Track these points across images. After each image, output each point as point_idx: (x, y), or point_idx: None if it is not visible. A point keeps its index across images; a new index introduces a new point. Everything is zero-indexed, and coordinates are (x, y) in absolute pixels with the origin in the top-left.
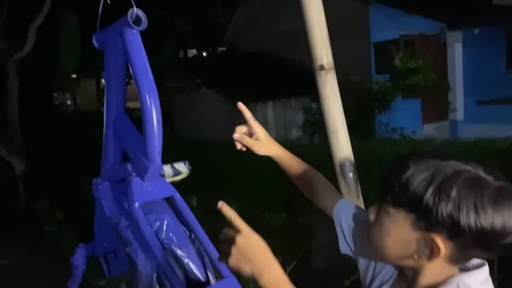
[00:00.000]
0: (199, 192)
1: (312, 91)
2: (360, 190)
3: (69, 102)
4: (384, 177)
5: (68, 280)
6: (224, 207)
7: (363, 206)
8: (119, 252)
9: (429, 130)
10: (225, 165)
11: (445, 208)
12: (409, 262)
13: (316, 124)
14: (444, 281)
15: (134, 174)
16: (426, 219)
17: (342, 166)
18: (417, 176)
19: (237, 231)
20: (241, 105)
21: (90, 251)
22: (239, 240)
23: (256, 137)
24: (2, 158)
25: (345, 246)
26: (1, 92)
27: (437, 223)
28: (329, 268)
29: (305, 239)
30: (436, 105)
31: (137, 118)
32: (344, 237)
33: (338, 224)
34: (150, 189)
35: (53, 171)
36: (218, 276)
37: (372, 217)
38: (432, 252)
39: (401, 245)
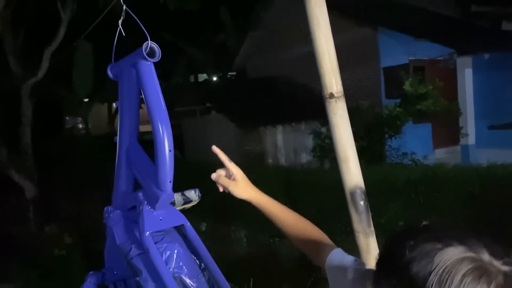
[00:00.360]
0: (209, 217)
1: (321, 115)
2: (371, 218)
3: (80, 126)
4: (379, 261)
5: None
6: (216, 149)
7: (374, 235)
8: (129, 281)
9: (440, 154)
10: None
11: None
12: None
13: (326, 148)
14: None
15: (146, 202)
16: None
17: (352, 194)
18: (415, 266)
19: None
20: (215, 148)
21: (100, 279)
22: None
23: (233, 178)
24: (13, 182)
25: None
26: (15, 116)
27: None
28: None
29: (315, 266)
30: (447, 129)
31: (147, 142)
32: None
33: (331, 277)
34: (160, 218)
35: (64, 195)
36: None
37: None
38: None
39: None
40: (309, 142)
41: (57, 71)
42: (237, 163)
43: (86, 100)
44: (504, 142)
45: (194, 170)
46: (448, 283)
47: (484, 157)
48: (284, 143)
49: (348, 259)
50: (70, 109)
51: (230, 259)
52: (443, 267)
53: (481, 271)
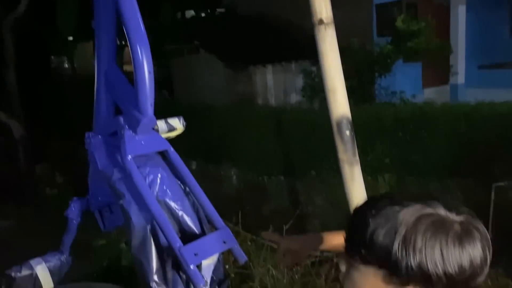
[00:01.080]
0: (199, 157)
1: (312, 55)
2: (356, 148)
3: (66, 66)
4: (346, 234)
5: (63, 234)
6: (266, 235)
7: (359, 165)
8: (114, 206)
9: (429, 94)
10: (225, 130)
11: (414, 261)
12: None
13: (316, 88)
14: None
15: (127, 127)
16: (397, 274)
17: (339, 124)
18: (379, 232)
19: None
20: (265, 235)
21: (84, 205)
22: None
23: (294, 250)
24: (0, 121)
25: None
26: None
27: (408, 277)
28: (324, 228)
29: (302, 202)
30: (438, 69)
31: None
32: None
33: None
34: (143, 143)
35: (52, 135)
36: (213, 228)
37: (343, 268)
38: None
39: None
40: (299, 82)
41: (39, 8)
42: (227, 103)
43: (71, 38)
44: (493, 81)
45: (183, 110)
46: (412, 242)
47: (473, 96)
48: (274, 83)
49: None
50: (54, 48)
51: (220, 195)
52: (405, 229)
53: (439, 224)
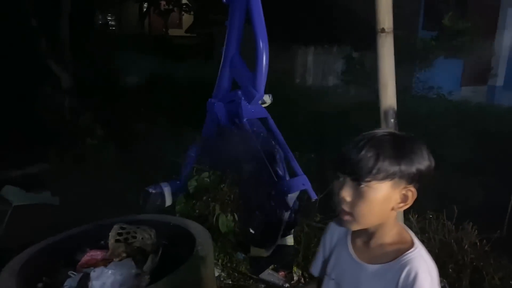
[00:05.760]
0: None
1: (355, 40)
2: None
3: (113, 23)
4: (352, 168)
5: (182, 167)
6: None
7: None
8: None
9: (466, 92)
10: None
11: (412, 168)
12: (384, 216)
13: (356, 74)
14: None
15: (243, 98)
16: (403, 179)
17: (386, 113)
18: (382, 158)
19: None
20: None
21: (198, 150)
22: None
23: None
24: (51, 72)
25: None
26: (54, 11)
27: (412, 179)
28: None
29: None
30: (478, 68)
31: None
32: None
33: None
34: (253, 111)
35: (97, 89)
36: (294, 175)
37: (348, 198)
38: (406, 199)
39: (385, 204)
40: (338, 66)
41: None
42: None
43: None
44: None
45: None
46: (405, 154)
47: (509, 99)
48: (313, 64)
49: None
50: (102, 5)
51: None
52: (394, 150)
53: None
